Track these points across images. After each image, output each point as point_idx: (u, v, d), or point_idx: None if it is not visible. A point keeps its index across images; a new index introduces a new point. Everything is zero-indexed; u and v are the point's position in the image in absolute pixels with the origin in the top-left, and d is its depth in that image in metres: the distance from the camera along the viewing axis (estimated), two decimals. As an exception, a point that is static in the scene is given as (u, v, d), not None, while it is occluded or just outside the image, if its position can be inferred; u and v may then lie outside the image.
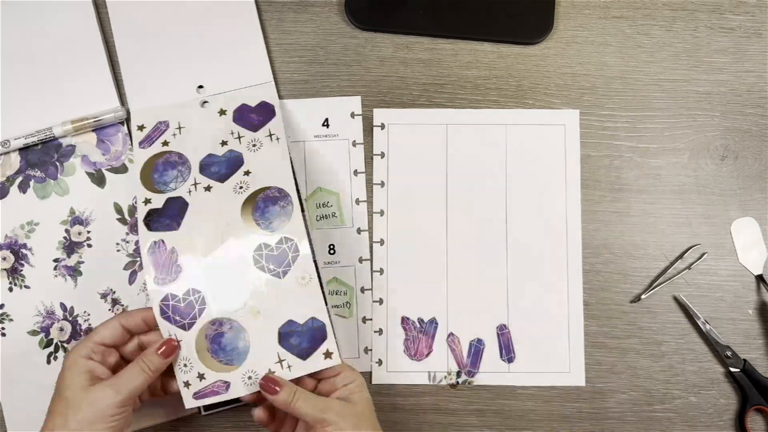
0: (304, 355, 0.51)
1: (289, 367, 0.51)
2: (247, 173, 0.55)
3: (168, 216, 0.55)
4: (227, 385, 0.51)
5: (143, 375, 0.48)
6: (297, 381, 0.50)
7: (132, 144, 0.59)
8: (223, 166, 0.56)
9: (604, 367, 0.58)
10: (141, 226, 0.54)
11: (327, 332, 0.51)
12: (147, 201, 0.55)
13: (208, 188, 0.55)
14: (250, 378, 0.51)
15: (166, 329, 0.52)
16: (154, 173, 0.56)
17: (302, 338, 0.51)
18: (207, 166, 0.56)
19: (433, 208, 0.59)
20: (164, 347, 0.50)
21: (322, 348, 0.51)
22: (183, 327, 0.52)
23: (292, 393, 0.48)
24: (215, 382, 0.51)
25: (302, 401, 0.48)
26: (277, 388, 0.48)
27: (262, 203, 0.54)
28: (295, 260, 0.53)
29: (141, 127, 0.58)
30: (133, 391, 0.47)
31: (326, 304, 0.52)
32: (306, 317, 0.52)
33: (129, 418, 0.48)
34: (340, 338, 0.57)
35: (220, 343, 0.52)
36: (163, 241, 0.54)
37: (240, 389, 0.51)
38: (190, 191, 0.55)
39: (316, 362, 0.51)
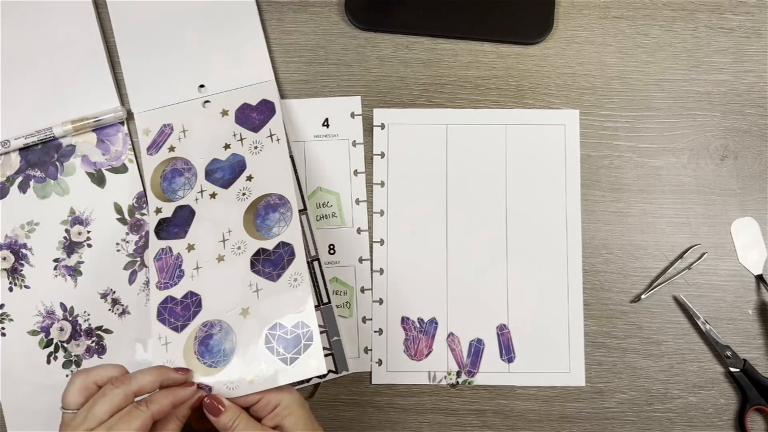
0: (289, 361, 0.49)
1: (275, 372, 0.49)
2: (249, 178, 0.55)
3: (176, 224, 0.56)
4: (208, 388, 0.49)
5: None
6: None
7: (133, 145, 0.59)
8: (227, 172, 0.56)
9: (604, 367, 0.58)
10: (152, 235, 0.56)
11: (314, 338, 0.50)
12: (158, 210, 0.56)
13: (213, 195, 0.56)
14: (234, 389, 0.49)
15: (158, 331, 0.52)
16: (163, 181, 0.57)
17: (288, 343, 0.50)
18: (212, 172, 0.57)
19: (433, 208, 0.59)
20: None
21: (309, 355, 0.49)
22: (176, 329, 0.52)
23: (234, 418, 0.46)
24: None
25: (241, 429, 0.46)
26: (221, 408, 0.47)
27: (263, 210, 0.54)
28: (290, 263, 0.52)
29: (146, 131, 0.58)
30: None
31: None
32: (294, 321, 0.51)
33: None
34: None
35: (208, 345, 0.51)
36: (170, 248, 0.55)
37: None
38: (197, 199, 0.56)
39: (303, 370, 0.49)
